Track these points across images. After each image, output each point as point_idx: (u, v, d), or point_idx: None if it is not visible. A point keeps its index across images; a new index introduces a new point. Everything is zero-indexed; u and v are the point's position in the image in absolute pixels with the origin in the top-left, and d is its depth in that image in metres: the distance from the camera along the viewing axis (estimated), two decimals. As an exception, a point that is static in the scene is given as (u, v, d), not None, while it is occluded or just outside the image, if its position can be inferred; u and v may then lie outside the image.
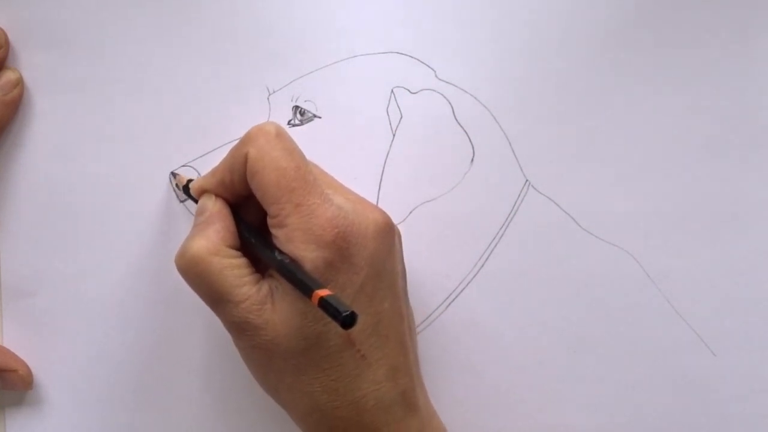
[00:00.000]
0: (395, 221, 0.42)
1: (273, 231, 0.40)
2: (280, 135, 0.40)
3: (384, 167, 0.47)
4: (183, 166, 0.47)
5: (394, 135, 0.47)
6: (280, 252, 0.39)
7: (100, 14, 0.46)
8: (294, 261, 0.39)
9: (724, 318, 0.48)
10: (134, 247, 0.47)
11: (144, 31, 0.47)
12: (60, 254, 0.47)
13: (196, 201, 0.43)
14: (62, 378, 0.47)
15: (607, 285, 0.48)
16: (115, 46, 0.47)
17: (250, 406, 0.48)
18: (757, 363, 0.48)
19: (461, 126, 0.47)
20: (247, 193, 0.42)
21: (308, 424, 0.41)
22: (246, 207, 0.43)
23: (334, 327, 0.39)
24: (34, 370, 0.47)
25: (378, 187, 0.47)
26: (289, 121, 0.47)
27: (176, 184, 0.47)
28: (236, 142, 0.46)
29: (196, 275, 0.40)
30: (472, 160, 0.47)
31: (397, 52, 0.47)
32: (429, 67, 0.47)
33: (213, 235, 0.40)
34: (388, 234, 0.41)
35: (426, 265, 0.46)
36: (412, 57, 0.47)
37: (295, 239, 0.39)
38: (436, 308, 0.48)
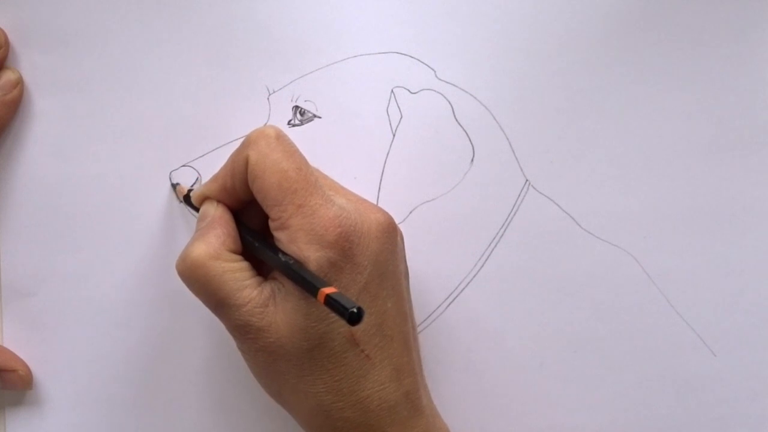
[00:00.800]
0: (395, 221, 0.43)
1: (275, 233, 0.40)
2: (280, 138, 0.40)
3: (384, 167, 0.47)
4: (183, 166, 0.47)
5: (394, 135, 0.47)
6: (284, 254, 0.39)
7: (100, 14, 0.46)
8: (298, 262, 0.39)
9: (724, 318, 0.48)
10: (134, 246, 0.47)
11: (144, 31, 0.47)
12: (60, 254, 0.47)
13: (197, 210, 0.43)
14: (62, 378, 0.47)
15: (607, 285, 0.48)
16: (115, 47, 0.47)
17: (250, 406, 0.48)
18: (757, 363, 0.48)
19: (461, 126, 0.47)
20: (248, 198, 0.42)
21: (312, 426, 0.41)
22: (248, 212, 0.43)
23: (338, 327, 0.39)
24: (34, 370, 0.47)
25: (378, 187, 0.47)
26: (289, 121, 0.47)
27: (177, 184, 0.47)
28: (236, 143, 0.46)
29: (197, 280, 0.40)
30: (472, 160, 0.47)
31: (397, 52, 0.47)
32: (429, 67, 0.47)
33: (214, 240, 0.41)
34: (390, 234, 0.41)
35: (426, 264, 0.46)
36: (412, 57, 0.47)
37: (298, 240, 0.39)
38: (437, 308, 0.48)
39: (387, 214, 0.42)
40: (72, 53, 0.47)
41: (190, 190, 0.45)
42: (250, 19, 0.47)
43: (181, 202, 0.47)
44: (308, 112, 0.47)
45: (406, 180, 0.47)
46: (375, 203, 0.46)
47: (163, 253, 0.47)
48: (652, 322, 0.48)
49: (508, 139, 0.48)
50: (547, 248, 0.48)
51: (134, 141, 0.47)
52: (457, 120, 0.47)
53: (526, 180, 0.48)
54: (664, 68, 0.48)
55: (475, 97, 0.47)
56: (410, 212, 0.47)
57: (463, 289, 0.47)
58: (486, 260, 0.48)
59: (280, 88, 0.47)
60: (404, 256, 0.43)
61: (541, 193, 0.48)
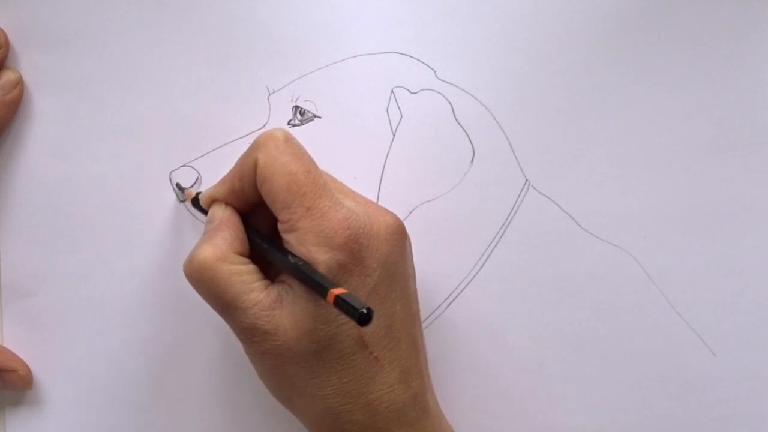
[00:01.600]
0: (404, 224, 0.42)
1: (284, 236, 0.40)
2: (289, 140, 0.40)
3: (384, 167, 0.47)
4: (183, 166, 0.47)
5: (394, 135, 0.47)
6: (293, 255, 0.39)
7: (100, 14, 0.46)
8: (307, 264, 0.39)
9: (724, 318, 0.48)
10: (134, 246, 0.47)
11: (144, 31, 0.47)
12: (60, 254, 0.47)
13: (205, 213, 0.43)
14: (62, 378, 0.47)
15: (607, 285, 0.48)
16: (115, 47, 0.47)
17: (254, 406, 0.48)
18: (757, 363, 0.48)
19: (461, 126, 0.47)
20: (257, 200, 0.42)
21: (320, 429, 0.41)
22: (256, 214, 0.43)
23: (347, 329, 0.39)
24: (34, 370, 0.47)
25: (378, 187, 0.47)
26: (289, 121, 0.47)
27: (176, 184, 0.47)
28: (236, 143, 0.46)
29: (204, 282, 0.40)
30: (472, 160, 0.47)
31: (397, 52, 0.47)
32: (429, 67, 0.47)
33: (221, 242, 0.40)
34: (399, 236, 0.41)
35: (426, 264, 0.46)
36: (412, 57, 0.47)
37: (307, 242, 0.39)
38: (437, 308, 0.48)
39: (396, 216, 0.42)
40: (72, 53, 0.47)
41: (198, 194, 0.45)
42: (250, 19, 0.47)
43: (181, 202, 0.47)
44: (308, 112, 0.47)
45: (406, 180, 0.47)
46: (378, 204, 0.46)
47: (163, 253, 0.47)
48: (652, 322, 0.48)
49: (508, 139, 0.48)
50: (547, 248, 0.48)
51: (134, 141, 0.47)
52: (457, 120, 0.47)
53: (526, 180, 0.48)
54: (664, 68, 0.48)
55: (475, 97, 0.47)
56: (410, 212, 0.47)
57: (463, 289, 0.47)
58: (486, 260, 0.48)
59: (280, 88, 0.47)
60: (412, 259, 0.43)
61: (541, 193, 0.48)
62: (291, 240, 0.40)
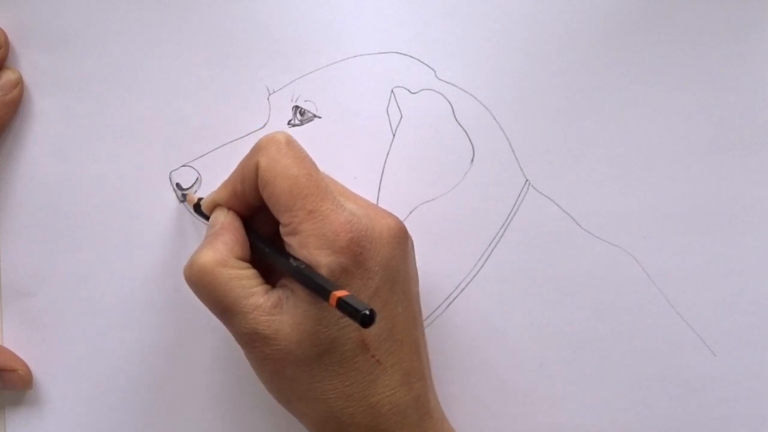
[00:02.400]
0: (406, 227, 0.42)
1: (286, 239, 0.40)
2: (290, 143, 0.40)
3: (384, 167, 0.47)
4: (183, 166, 0.47)
5: (394, 135, 0.47)
6: (295, 259, 0.39)
7: (100, 14, 0.46)
8: (309, 267, 0.39)
9: (724, 318, 0.48)
10: (134, 247, 0.47)
11: (144, 31, 0.47)
12: (60, 254, 0.47)
13: (207, 219, 0.43)
14: (62, 378, 0.47)
15: (607, 285, 0.48)
16: (115, 47, 0.47)
17: (254, 406, 0.48)
18: (757, 363, 0.48)
19: (461, 126, 0.47)
20: (258, 204, 0.42)
21: None
22: (258, 218, 0.43)
23: (349, 332, 0.39)
24: (34, 370, 0.47)
25: (378, 187, 0.47)
26: (289, 121, 0.47)
27: (176, 184, 0.47)
28: (236, 143, 0.46)
29: (204, 287, 0.40)
30: (472, 160, 0.47)
31: (397, 52, 0.47)
32: (429, 67, 0.47)
33: (221, 247, 0.40)
34: (401, 239, 0.41)
35: (426, 265, 0.46)
36: (412, 57, 0.47)
37: (309, 245, 0.39)
38: (437, 308, 0.48)
39: (398, 219, 0.42)
40: (72, 53, 0.47)
41: (200, 199, 0.45)
42: (250, 19, 0.47)
43: (181, 202, 0.47)
44: (308, 112, 0.47)
45: (406, 180, 0.47)
46: (375, 204, 0.46)
47: (163, 253, 0.47)
48: (652, 322, 0.48)
49: (508, 139, 0.48)
50: (547, 248, 0.48)
51: (134, 141, 0.47)
52: (457, 120, 0.47)
53: (526, 180, 0.48)
54: (664, 68, 0.48)
55: (475, 97, 0.47)
56: (410, 212, 0.47)
57: (463, 289, 0.47)
58: (486, 260, 0.48)
59: (280, 88, 0.47)
60: (414, 262, 0.43)
61: (541, 193, 0.48)
62: (293, 243, 0.40)
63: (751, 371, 0.48)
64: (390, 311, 0.40)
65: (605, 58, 0.48)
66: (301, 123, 0.47)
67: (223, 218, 0.42)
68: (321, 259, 0.39)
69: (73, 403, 0.47)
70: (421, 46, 0.47)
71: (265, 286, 0.40)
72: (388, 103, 0.47)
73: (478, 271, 0.47)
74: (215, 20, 0.47)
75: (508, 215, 0.48)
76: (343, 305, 0.36)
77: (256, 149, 0.41)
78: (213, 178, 0.46)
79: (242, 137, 0.47)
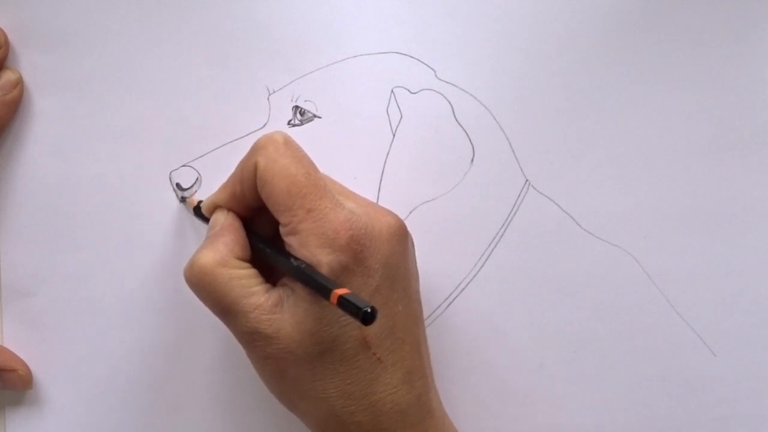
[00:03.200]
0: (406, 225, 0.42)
1: (286, 239, 0.40)
2: (288, 143, 0.40)
3: (384, 167, 0.47)
4: (183, 166, 0.47)
5: (394, 135, 0.47)
6: (295, 258, 0.39)
7: (100, 14, 0.46)
8: (309, 266, 0.39)
9: (724, 318, 0.48)
10: (134, 246, 0.47)
11: (144, 31, 0.47)
12: (60, 254, 0.47)
13: (207, 221, 0.43)
14: (62, 378, 0.47)
15: (607, 285, 0.48)
16: (115, 47, 0.47)
17: (254, 406, 0.48)
18: (757, 363, 0.48)
19: (461, 126, 0.47)
20: (258, 205, 0.42)
21: (324, 431, 0.41)
22: (258, 219, 0.43)
23: (350, 330, 0.39)
24: (34, 370, 0.47)
25: (378, 187, 0.47)
26: (289, 121, 0.47)
27: (176, 184, 0.47)
28: (236, 143, 0.46)
29: (204, 287, 0.40)
30: (472, 160, 0.47)
31: (397, 52, 0.47)
32: (429, 67, 0.47)
33: (221, 247, 0.40)
34: (401, 237, 0.41)
35: (426, 264, 0.46)
36: (412, 57, 0.47)
37: (309, 244, 0.39)
38: (437, 308, 0.48)
39: (398, 217, 0.42)
40: (72, 53, 0.47)
41: (200, 202, 0.45)
42: (250, 19, 0.47)
43: (181, 202, 0.47)
44: (308, 112, 0.47)
45: (406, 180, 0.47)
46: (380, 205, 0.46)
47: (163, 253, 0.47)
48: (652, 322, 0.48)
49: (508, 139, 0.48)
50: (547, 248, 0.48)
51: (134, 141, 0.47)
52: (457, 120, 0.47)
53: (526, 180, 0.48)
54: (664, 68, 0.48)
55: (475, 97, 0.47)
56: (410, 212, 0.47)
57: (463, 289, 0.47)
58: (486, 260, 0.48)
59: (280, 88, 0.47)
60: (414, 260, 0.43)
61: (541, 193, 0.48)
62: (293, 243, 0.40)
63: (751, 371, 0.48)
64: (391, 309, 0.40)
65: (605, 58, 0.48)
66: (301, 123, 0.47)
67: (223, 219, 0.42)
68: (321, 257, 0.39)
69: (73, 403, 0.47)
70: (421, 46, 0.47)
71: (266, 286, 0.40)
72: (388, 103, 0.47)
73: (478, 271, 0.47)
74: (215, 20, 0.47)
75: (508, 215, 0.48)
76: (344, 303, 0.36)
77: (255, 149, 0.41)
78: (213, 178, 0.46)
79: (242, 137, 0.47)
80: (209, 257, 0.40)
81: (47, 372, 0.47)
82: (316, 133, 0.47)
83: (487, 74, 0.47)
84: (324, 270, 0.39)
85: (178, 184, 0.47)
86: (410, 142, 0.47)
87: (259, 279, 0.41)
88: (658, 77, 0.48)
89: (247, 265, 0.41)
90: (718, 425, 0.48)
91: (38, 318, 0.47)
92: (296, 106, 0.47)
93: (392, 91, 0.47)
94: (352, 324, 0.39)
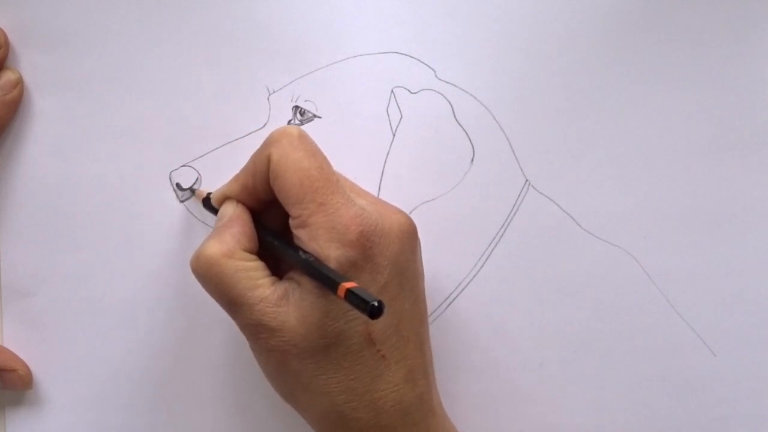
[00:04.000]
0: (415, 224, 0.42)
1: (295, 232, 0.40)
2: (303, 137, 0.41)
3: (384, 167, 0.47)
4: (183, 166, 0.47)
5: (394, 135, 0.47)
6: (304, 251, 0.39)
7: (100, 14, 0.46)
8: (318, 259, 0.39)
9: (724, 318, 0.48)
10: (134, 247, 0.47)
11: (144, 31, 0.47)
12: (60, 254, 0.47)
13: (216, 213, 0.43)
14: (62, 378, 0.47)
15: (607, 285, 0.48)
16: (115, 47, 0.47)
17: (256, 405, 0.48)
18: (757, 363, 0.48)
19: (461, 126, 0.47)
20: (269, 198, 0.42)
21: (325, 427, 0.41)
22: (268, 212, 0.43)
23: (356, 325, 0.39)
24: (34, 370, 0.47)
25: (378, 187, 0.47)
26: (289, 121, 0.47)
27: (176, 184, 0.47)
28: (236, 143, 0.46)
29: (210, 278, 0.40)
30: (472, 159, 0.47)
31: (397, 52, 0.47)
32: (429, 67, 0.47)
33: (229, 239, 0.40)
34: (411, 236, 0.41)
35: (426, 264, 0.46)
36: (412, 57, 0.47)
37: (319, 238, 0.39)
38: (437, 308, 0.48)
39: (408, 216, 0.42)
40: (72, 53, 0.47)
41: (209, 194, 0.45)
42: (250, 19, 0.47)
43: (181, 202, 0.47)
44: (308, 112, 0.47)
45: (406, 180, 0.47)
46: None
47: (163, 253, 0.47)
48: (652, 322, 0.48)
49: (508, 139, 0.48)
50: (547, 248, 0.48)
51: (134, 141, 0.47)
52: (457, 120, 0.47)
53: (526, 180, 0.48)
54: (664, 68, 0.48)
55: (475, 97, 0.47)
56: (410, 212, 0.47)
57: (464, 289, 0.47)
58: (486, 260, 0.48)
59: (280, 88, 0.47)
60: (421, 259, 0.43)
61: (541, 193, 0.48)
62: (302, 236, 0.40)
63: (751, 371, 0.48)
64: (397, 307, 0.40)
65: (605, 58, 0.48)
66: (301, 123, 0.47)
67: (232, 210, 0.42)
68: (330, 252, 0.39)
69: (73, 403, 0.47)
70: (421, 46, 0.47)
71: (272, 278, 0.40)
72: (388, 103, 0.47)
73: (479, 270, 0.47)
74: (215, 20, 0.47)
75: (508, 215, 0.48)
76: (351, 296, 0.36)
77: (269, 142, 0.41)
78: (213, 178, 0.46)
79: (242, 137, 0.47)
80: (216, 248, 0.40)
81: (47, 372, 0.47)
82: (316, 133, 0.47)
83: (487, 74, 0.47)
84: (332, 264, 0.39)
85: (178, 184, 0.47)
86: (410, 142, 0.47)
87: (266, 271, 0.41)
88: (658, 77, 0.48)
89: (253, 257, 0.41)
90: (718, 425, 0.48)
91: (38, 318, 0.47)
92: (296, 106, 0.47)
93: (392, 91, 0.47)
94: (357, 319, 0.39)
